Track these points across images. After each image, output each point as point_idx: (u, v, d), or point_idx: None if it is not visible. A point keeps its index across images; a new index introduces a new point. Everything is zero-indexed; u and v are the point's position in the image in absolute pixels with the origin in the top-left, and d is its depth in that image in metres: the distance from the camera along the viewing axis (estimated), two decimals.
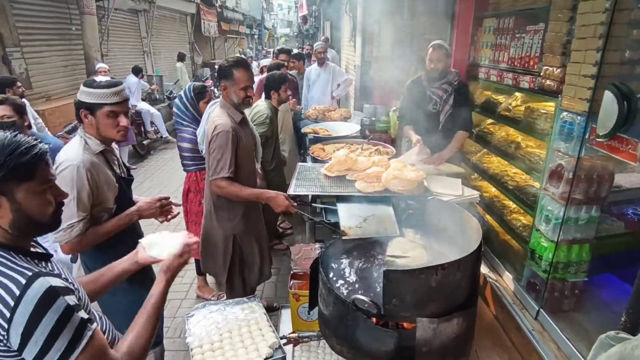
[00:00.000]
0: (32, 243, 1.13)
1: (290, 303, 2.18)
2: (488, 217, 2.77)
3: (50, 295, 0.91)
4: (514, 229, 2.46)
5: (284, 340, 1.83)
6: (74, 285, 1.08)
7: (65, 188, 1.27)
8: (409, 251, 1.80)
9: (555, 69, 2.04)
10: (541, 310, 2.02)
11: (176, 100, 3.11)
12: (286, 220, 4.58)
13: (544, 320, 2.00)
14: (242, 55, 17.51)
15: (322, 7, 13.91)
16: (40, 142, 1.01)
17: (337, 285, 1.68)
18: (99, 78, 1.82)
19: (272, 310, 2.93)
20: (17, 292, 0.89)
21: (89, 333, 0.97)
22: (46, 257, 1.09)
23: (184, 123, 2.99)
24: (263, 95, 3.59)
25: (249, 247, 2.55)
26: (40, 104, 6.42)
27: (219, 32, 18.82)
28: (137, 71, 8.56)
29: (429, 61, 2.93)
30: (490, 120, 2.92)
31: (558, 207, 1.95)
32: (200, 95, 3.00)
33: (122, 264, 1.41)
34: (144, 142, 8.20)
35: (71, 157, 1.72)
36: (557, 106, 1.98)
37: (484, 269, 2.50)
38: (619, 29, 1.68)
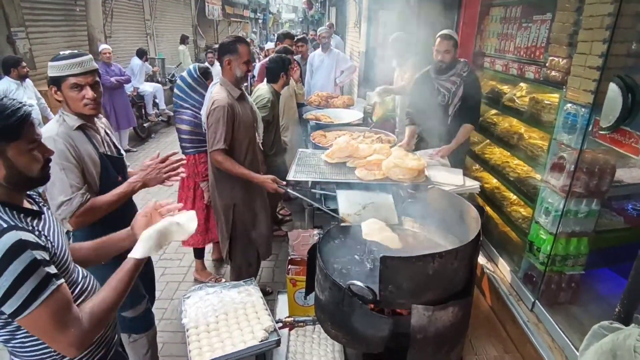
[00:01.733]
0: (29, 200, 1.20)
1: (287, 288, 2.20)
2: (488, 208, 2.76)
3: (18, 247, 0.99)
4: (513, 221, 2.46)
5: (280, 324, 1.84)
6: (53, 244, 1.14)
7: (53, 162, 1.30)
8: (377, 234, 1.79)
9: (560, 60, 2.02)
10: (537, 302, 2.03)
11: (178, 82, 3.08)
12: (285, 207, 4.59)
13: (539, 312, 2.01)
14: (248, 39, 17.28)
15: None
16: (24, 104, 1.08)
17: (334, 271, 1.68)
18: (65, 52, 1.73)
19: (266, 295, 2.96)
20: None
21: (53, 287, 1.03)
22: (36, 213, 1.16)
23: (185, 105, 2.96)
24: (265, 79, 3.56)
25: (249, 217, 2.61)
26: (43, 85, 6.38)
27: (223, 15, 18.59)
28: (141, 54, 8.48)
29: (436, 52, 2.79)
30: (494, 111, 2.90)
31: (558, 200, 1.95)
32: (206, 75, 3.00)
33: (122, 242, 1.41)
34: (145, 125, 8.17)
35: (47, 131, 1.68)
36: (561, 97, 1.96)
37: (481, 260, 2.50)
38: (626, 20, 1.65)
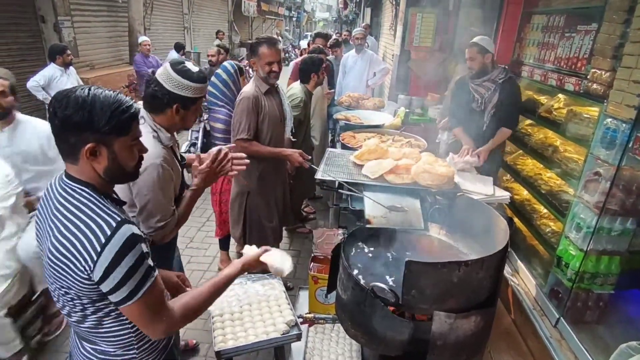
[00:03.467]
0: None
1: (309, 285, 2.23)
2: (517, 219, 2.71)
3: (132, 241, 1.05)
4: (542, 234, 2.41)
5: (300, 320, 1.88)
6: (144, 234, 1.23)
7: (151, 188, 1.47)
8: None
9: (603, 73, 1.96)
10: (561, 318, 1.99)
11: (212, 79, 3.07)
12: (310, 205, 4.63)
13: (563, 329, 1.97)
14: (279, 38, 17.41)
15: None
16: (135, 102, 1.14)
17: (357, 271, 1.70)
18: (190, 67, 1.66)
19: (287, 290, 3.01)
20: (109, 233, 1.03)
21: (152, 279, 1.11)
22: (122, 203, 1.23)
23: (220, 103, 3.02)
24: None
25: (263, 208, 2.75)
26: (85, 72, 6.67)
27: (258, 12, 18.84)
28: (178, 47, 8.73)
29: (467, 59, 2.88)
30: (529, 121, 2.84)
31: (591, 216, 1.90)
32: (240, 71, 3.09)
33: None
34: None
35: (151, 154, 1.50)
36: (601, 111, 1.91)
37: (507, 271, 2.46)
38: None
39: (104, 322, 1.15)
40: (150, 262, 1.11)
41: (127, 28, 8.06)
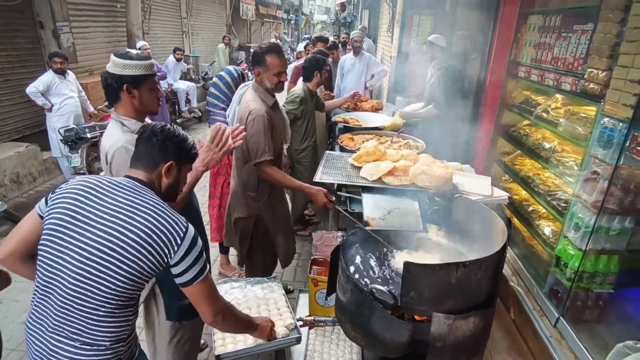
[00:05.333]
0: None
1: (309, 288, 2.24)
2: (515, 220, 2.72)
3: (197, 236, 1.33)
4: (540, 234, 2.41)
5: (300, 322, 1.88)
6: None
7: (123, 170, 1.50)
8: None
9: (600, 72, 1.97)
10: (561, 318, 1.99)
11: (215, 80, 3.11)
12: (310, 207, 4.63)
13: (563, 328, 1.96)
14: (278, 41, 17.47)
15: None
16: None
17: (356, 273, 1.70)
18: (130, 50, 1.79)
19: (287, 293, 3.01)
20: (184, 228, 1.30)
21: (207, 269, 1.37)
22: None
23: (220, 106, 3.03)
24: (300, 78, 3.66)
25: (273, 228, 2.62)
26: (84, 78, 6.68)
27: (257, 15, 18.88)
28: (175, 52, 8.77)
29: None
30: (526, 122, 2.85)
31: (589, 215, 1.90)
32: (242, 78, 3.09)
33: None
34: (177, 121, 8.42)
35: (114, 140, 1.69)
36: (598, 111, 1.91)
37: (506, 272, 2.46)
38: None
39: (116, 312, 1.27)
40: (206, 256, 1.38)
41: (125, 33, 8.07)
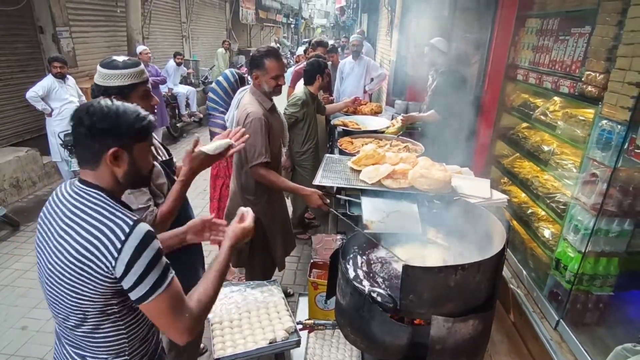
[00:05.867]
0: None
1: (309, 291, 2.23)
2: (515, 222, 2.71)
3: (149, 236, 1.10)
4: (540, 237, 2.41)
5: (300, 326, 1.88)
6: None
7: None
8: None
9: (598, 75, 1.97)
10: (561, 320, 1.98)
11: (213, 85, 3.17)
12: (310, 211, 4.64)
13: (563, 331, 1.96)
14: (278, 45, 17.52)
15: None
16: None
17: (355, 276, 1.70)
18: (117, 57, 1.67)
19: (287, 296, 3.01)
20: (127, 230, 1.08)
21: (171, 275, 1.15)
22: (129, 208, 1.27)
23: (220, 109, 3.06)
24: (302, 81, 3.71)
25: (273, 232, 2.62)
26: (84, 82, 6.70)
27: (256, 20, 18.94)
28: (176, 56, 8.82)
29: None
30: (525, 124, 2.85)
31: (588, 218, 1.90)
32: (243, 82, 3.11)
33: (171, 240, 1.53)
34: (178, 125, 8.44)
35: None
36: (596, 113, 1.92)
37: (506, 274, 2.46)
38: None
39: (102, 327, 1.17)
40: (166, 259, 1.15)
41: (125, 37, 8.09)
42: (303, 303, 2.38)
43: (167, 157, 1.93)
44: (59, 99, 5.05)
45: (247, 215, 1.47)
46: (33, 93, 4.91)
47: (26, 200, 5.32)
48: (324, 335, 2.01)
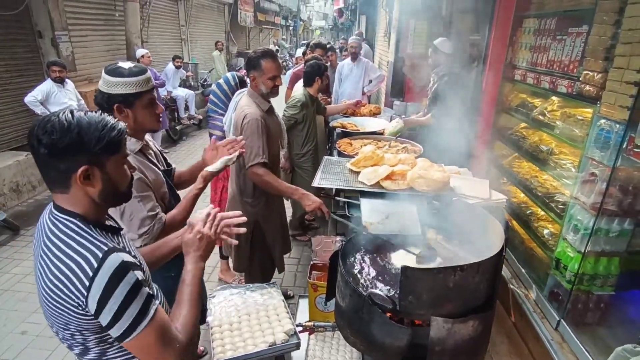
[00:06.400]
0: (107, 217, 1.23)
1: (309, 293, 2.23)
2: (514, 222, 2.71)
3: (123, 269, 1.00)
4: (539, 237, 2.41)
5: (300, 328, 1.87)
6: (139, 260, 1.16)
7: None
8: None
9: (595, 74, 1.97)
10: (562, 321, 1.98)
11: (213, 87, 3.18)
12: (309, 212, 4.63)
13: (564, 331, 1.95)
14: (277, 47, 17.57)
15: (359, 0, 13.78)
16: (119, 120, 1.11)
17: (355, 278, 1.70)
18: (123, 64, 1.62)
19: (287, 298, 3.01)
20: (95, 264, 0.98)
21: (154, 307, 1.05)
22: (117, 230, 1.19)
23: (219, 112, 3.07)
24: (301, 83, 3.72)
25: (271, 233, 2.62)
26: (83, 86, 6.70)
27: (255, 22, 18.98)
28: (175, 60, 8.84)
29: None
30: (523, 124, 2.85)
31: (588, 217, 1.90)
32: (243, 84, 3.12)
33: (176, 239, 1.45)
34: (177, 128, 8.45)
35: None
36: (594, 113, 1.91)
37: (505, 275, 2.46)
38: None
39: (108, 353, 1.11)
40: (148, 290, 1.05)
41: (124, 41, 8.11)
42: (303, 305, 2.38)
43: (167, 167, 1.91)
44: (58, 103, 5.06)
45: (194, 222, 1.33)
46: (32, 98, 4.92)
47: (26, 204, 5.32)
48: (324, 337, 2.00)
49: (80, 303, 0.98)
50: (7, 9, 5.43)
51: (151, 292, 1.07)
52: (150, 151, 1.81)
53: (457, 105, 3.20)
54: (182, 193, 1.94)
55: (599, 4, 1.99)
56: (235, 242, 1.41)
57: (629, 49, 1.72)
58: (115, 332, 1.00)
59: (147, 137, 1.82)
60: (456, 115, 3.18)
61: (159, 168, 1.79)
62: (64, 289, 0.98)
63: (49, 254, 1.02)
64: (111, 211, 1.30)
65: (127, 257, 1.04)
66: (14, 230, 4.49)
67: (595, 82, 1.96)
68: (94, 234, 1.05)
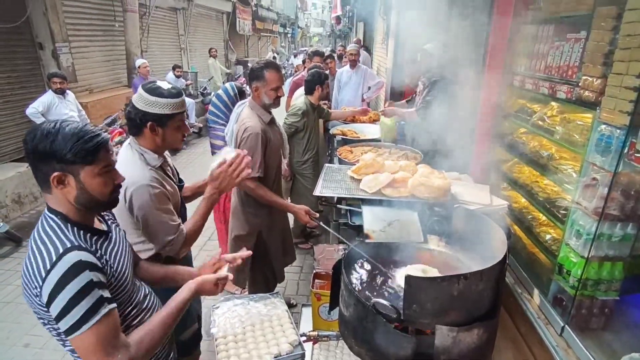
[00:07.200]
0: (100, 219, 1.30)
1: (312, 302, 2.22)
2: (516, 227, 2.71)
3: (78, 267, 1.06)
4: (542, 242, 2.40)
5: (304, 338, 1.87)
6: (112, 266, 1.21)
7: (145, 206, 1.47)
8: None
9: (595, 80, 1.98)
10: (567, 326, 1.97)
11: (213, 99, 3.21)
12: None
13: (569, 337, 1.94)
14: (275, 54, 17.67)
15: (356, 7, 13.87)
16: (104, 131, 1.20)
17: (358, 287, 1.69)
18: (162, 84, 1.67)
19: (290, 307, 3.00)
20: (54, 258, 1.06)
21: (104, 310, 1.08)
22: (103, 233, 1.24)
23: (220, 122, 3.08)
24: (301, 91, 3.77)
25: (273, 244, 2.62)
26: (84, 97, 6.74)
27: (253, 30, 19.12)
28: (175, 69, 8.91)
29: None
30: (522, 129, 2.86)
31: (590, 222, 1.89)
32: (242, 94, 3.14)
33: (188, 277, 1.52)
34: None
35: (138, 176, 1.62)
36: (594, 118, 1.92)
37: (509, 280, 2.45)
38: None
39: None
40: (102, 292, 1.09)
41: (124, 51, 8.17)
42: (306, 314, 2.37)
43: (178, 182, 1.96)
44: (59, 114, 5.08)
45: (221, 271, 1.47)
46: (33, 109, 4.94)
47: (28, 215, 5.32)
48: (328, 347, 1.99)
49: (37, 293, 1.07)
50: (8, 22, 5.48)
51: (106, 296, 1.10)
52: (168, 167, 1.87)
53: (454, 110, 3.22)
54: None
55: (596, 10, 2.00)
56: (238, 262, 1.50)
57: (627, 54, 1.73)
58: (62, 325, 1.06)
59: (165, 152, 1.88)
60: (453, 120, 3.20)
61: (174, 182, 1.85)
62: (30, 277, 1.08)
63: (32, 243, 1.12)
64: (128, 222, 1.40)
65: (87, 257, 1.09)
66: (17, 242, 4.49)
67: (595, 87, 1.97)
68: (66, 232, 1.12)
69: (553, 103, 2.46)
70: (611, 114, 1.79)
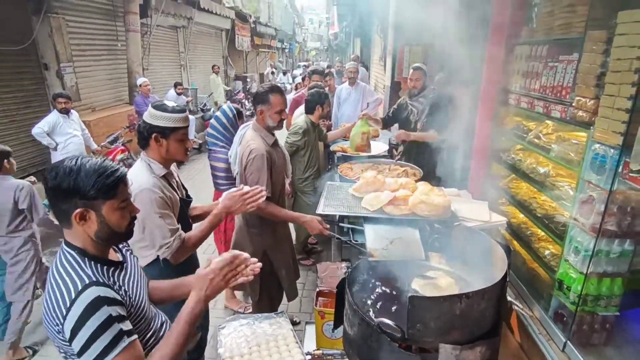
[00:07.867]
0: (115, 248, 1.35)
1: (315, 320, 2.24)
2: (515, 243, 2.74)
3: (96, 304, 1.08)
4: (541, 257, 2.44)
5: (309, 357, 1.89)
6: (130, 295, 1.24)
7: (144, 209, 1.52)
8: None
9: (588, 100, 2.04)
10: (568, 342, 1.99)
11: (212, 121, 3.25)
12: (313, 236, 4.66)
13: (571, 352, 1.97)
14: (274, 69, 17.83)
15: (353, 25, 14.11)
16: (121, 165, 1.23)
17: (362, 306, 1.72)
18: (168, 103, 1.90)
19: (293, 325, 3.01)
20: (73, 295, 1.09)
21: (124, 344, 1.10)
22: (119, 264, 1.29)
23: (220, 144, 3.14)
24: (302, 109, 3.83)
25: (278, 262, 2.65)
26: (87, 115, 6.82)
27: (252, 46, 19.37)
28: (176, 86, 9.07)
29: (409, 81, 3.98)
30: (519, 146, 2.92)
31: (588, 239, 1.93)
32: (239, 115, 3.20)
33: (191, 282, 1.49)
34: None
35: (143, 181, 1.81)
36: (589, 137, 1.97)
37: (510, 296, 2.47)
38: None
39: None
40: (122, 325, 1.11)
41: (126, 69, 8.29)
42: (310, 332, 2.38)
43: (187, 198, 2.12)
44: (64, 134, 5.15)
45: (213, 260, 1.40)
46: (39, 129, 5.01)
47: None
48: None
49: (60, 330, 1.09)
50: (16, 44, 5.60)
51: (126, 329, 1.13)
52: (174, 180, 2.03)
53: (454, 128, 3.29)
54: None
55: (587, 33, 2.08)
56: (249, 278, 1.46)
57: (618, 77, 1.79)
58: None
59: (172, 167, 2.04)
60: (450, 133, 3.28)
61: (178, 194, 1.99)
62: (51, 314, 1.10)
63: (51, 279, 1.15)
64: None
65: (105, 292, 1.12)
66: None
67: (588, 107, 2.03)
68: (84, 267, 1.15)
69: (548, 121, 2.53)
70: (605, 134, 1.84)
